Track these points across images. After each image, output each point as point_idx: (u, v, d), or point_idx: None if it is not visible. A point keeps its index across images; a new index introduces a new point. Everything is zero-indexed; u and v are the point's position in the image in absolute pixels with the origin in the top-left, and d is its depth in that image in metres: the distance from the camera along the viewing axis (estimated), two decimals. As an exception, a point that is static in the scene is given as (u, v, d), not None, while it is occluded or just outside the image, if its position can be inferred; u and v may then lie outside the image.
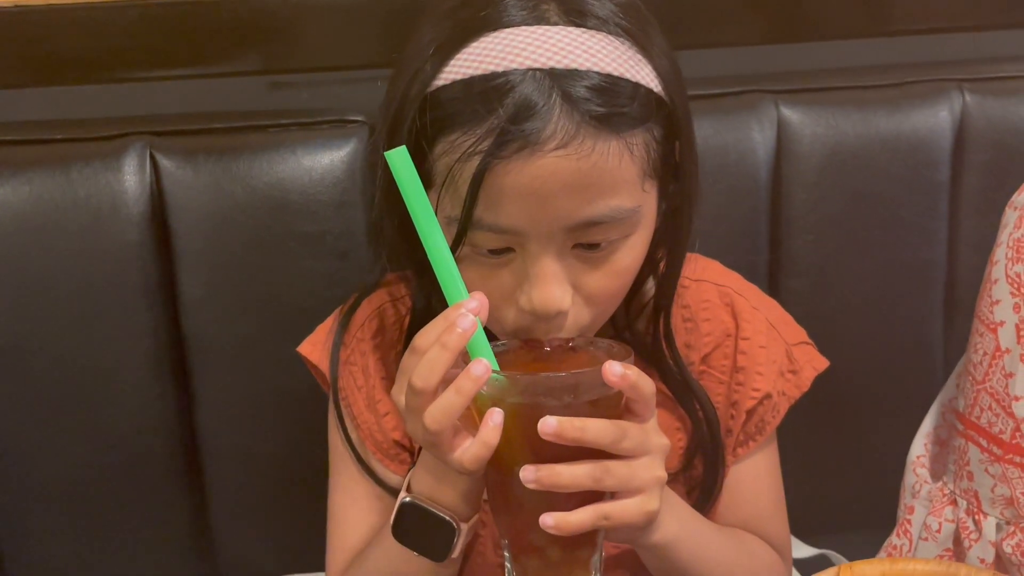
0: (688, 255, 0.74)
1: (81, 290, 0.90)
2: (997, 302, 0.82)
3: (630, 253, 0.65)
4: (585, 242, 0.64)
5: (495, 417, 0.58)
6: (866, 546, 0.96)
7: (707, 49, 1.07)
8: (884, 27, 1.09)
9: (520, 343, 0.65)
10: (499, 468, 0.60)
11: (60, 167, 0.90)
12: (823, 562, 0.99)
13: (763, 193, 0.98)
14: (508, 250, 0.64)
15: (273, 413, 0.94)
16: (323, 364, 0.77)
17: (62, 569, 0.97)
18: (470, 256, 0.65)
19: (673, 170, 0.67)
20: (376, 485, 0.75)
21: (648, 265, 0.71)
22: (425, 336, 0.60)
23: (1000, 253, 0.83)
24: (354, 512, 0.76)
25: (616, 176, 0.62)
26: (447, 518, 0.65)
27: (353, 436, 0.76)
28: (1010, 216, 0.84)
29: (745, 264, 0.93)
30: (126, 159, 0.90)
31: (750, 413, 0.76)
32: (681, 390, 0.75)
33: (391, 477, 0.76)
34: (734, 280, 0.79)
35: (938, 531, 0.88)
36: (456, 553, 0.66)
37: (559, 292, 0.63)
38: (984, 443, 0.83)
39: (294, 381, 0.84)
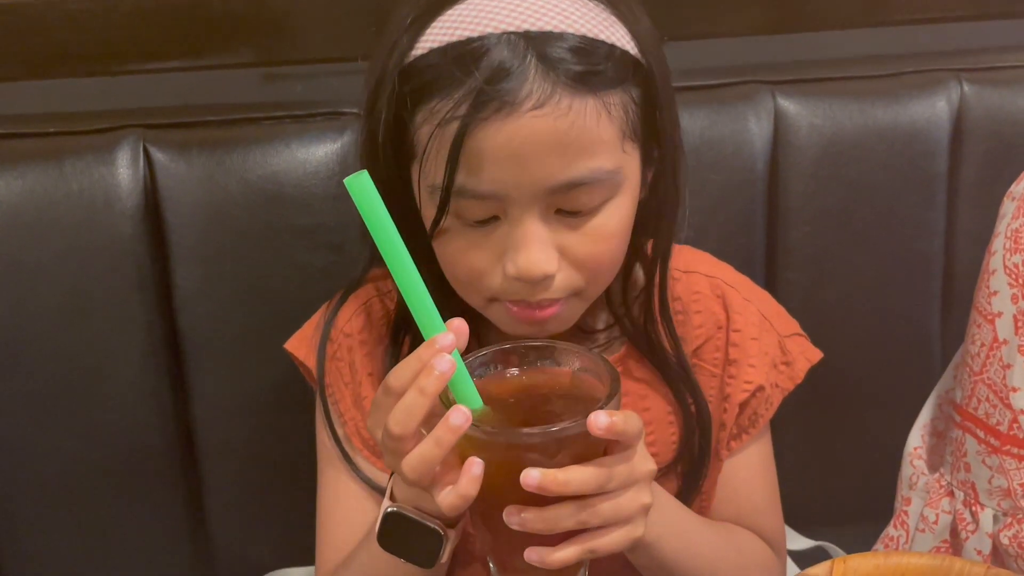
0: (678, 247, 0.73)
1: (74, 284, 0.90)
2: (995, 293, 0.82)
3: (615, 216, 0.65)
4: (567, 208, 0.63)
5: (474, 470, 0.55)
6: (863, 538, 0.96)
7: (704, 40, 1.07)
8: (881, 17, 1.09)
9: (498, 352, 0.61)
10: (482, 500, 0.58)
11: (53, 160, 0.89)
12: (820, 554, 0.99)
13: (760, 184, 0.98)
14: (492, 219, 0.64)
15: (269, 406, 0.94)
16: (310, 360, 0.76)
17: (57, 564, 0.97)
18: (455, 228, 0.65)
19: (655, 136, 0.67)
20: (363, 483, 0.74)
21: (641, 235, 0.70)
22: (399, 376, 0.57)
23: (998, 243, 0.83)
24: (341, 511, 0.75)
25: (594, 136, 0.62)
26: (433, 526, 0.64)
27: (340, 432, 0.75)
28: (1008, 206, 0.84)
29: (742, 256, 0.93)
30: (119, 152, 0.90)
31: (743, 406, 0.75)
32: (675, 380, 0.74)
33: (378, 474, 0.75)
34: (725, 271, 0.79)
35: (935, 523, 0.88)
36: (444, 559, 0.65)
37: (543, 256, 0.63)
38: (981, 434, 0.83)
39: (290, 374, 0.83)
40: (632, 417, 0.57)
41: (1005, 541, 0.82)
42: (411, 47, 0.63)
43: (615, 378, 0.58)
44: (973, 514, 0.84)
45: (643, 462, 0.60)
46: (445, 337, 0.56)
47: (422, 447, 0.56)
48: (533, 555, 0.57)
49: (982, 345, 0.83)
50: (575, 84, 0.61)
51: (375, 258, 0.77)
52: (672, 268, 0.74)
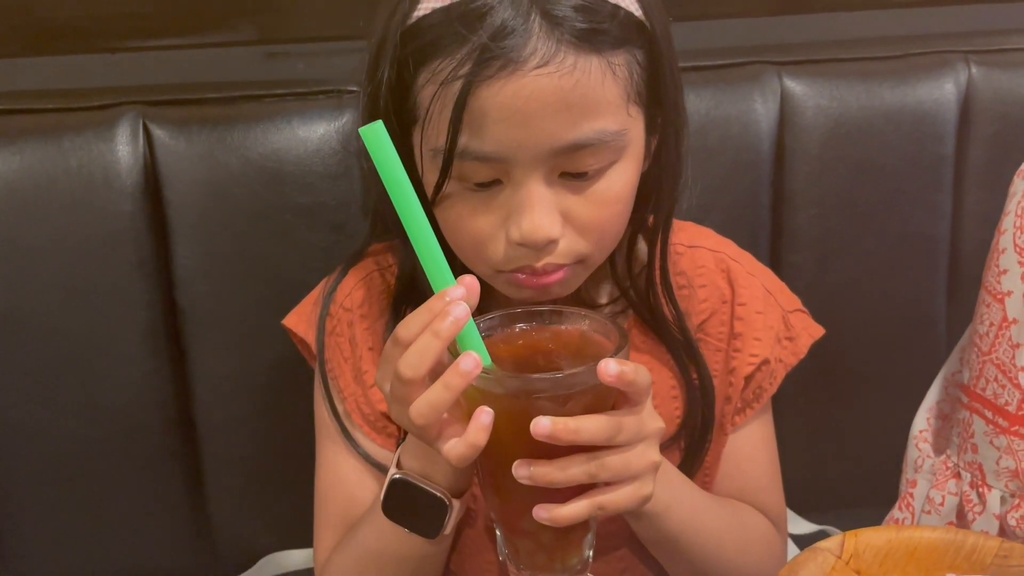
0: (682, 222, 0.72)
1: (74, 262, 0.89)
2: (1004, 272, 0.81)
3: (619, 180, 0.65)
4: (572, 171, 0.63)
5: (483, 418, 0.55)
6: (866, 522, 0.94)
7: (710, 20, 1.06)
8: (889, -2, 1.08)
9: (507, 315, 0.61)
10: (490, 456, 0.58)
11: (52, 137, 0.89)
12: (822, 537, 0.98)
13: (765, 166, 0.97)
14: (495, 183, 0.63)
15: (269, 385, 0.94)
16: (309, 336, 0.76)
17: (56, 543, 0.96)
18: (457, 192, 0.64)
19: (659, 101, 0.67)
20: (363, 460, 0.74)
21: (644, 208, 0.70)
22: (408, 327, 0.57)
23: (1008, 222, 0.82)
24: (340, 489, 0.75)
25: (599, 96, 0.61)
26: (439, 495, 0.64)
27: (339, 408, 0.75)
28: (1019, 185, 0.83)
29: (746, 237, 0.92)
30: (119, 129, 0.89)
31: (748, 379, 0.75)
32: (679, 352, 0.74)
33: (378, 451, 0.74)
34: (729, 247, 0.78)
35: (941, 504, 0.87)
36: (448, 530, 0.65)
37: (547, 220, 0.62)
38: (989, 415, 0.82)
39: (290, 353, 0.82)
40: (642, 370, 0.57)
41: (1012, 522, 0.81)
42: (413, 7, 0.63)
43: (623, 334, 0.58)
44: (980, 495, 0.84)
45: (652, 419, 0.60)
46: (456, 290, 0.56)
47: (431, 392, 0.56)
48: (542, 512, 0.57)
49: (991, 325, 0.82)
50: (579, 42, 0.60)
51: (375, 232, 0.76)
52: (676, 243, 0.74)
